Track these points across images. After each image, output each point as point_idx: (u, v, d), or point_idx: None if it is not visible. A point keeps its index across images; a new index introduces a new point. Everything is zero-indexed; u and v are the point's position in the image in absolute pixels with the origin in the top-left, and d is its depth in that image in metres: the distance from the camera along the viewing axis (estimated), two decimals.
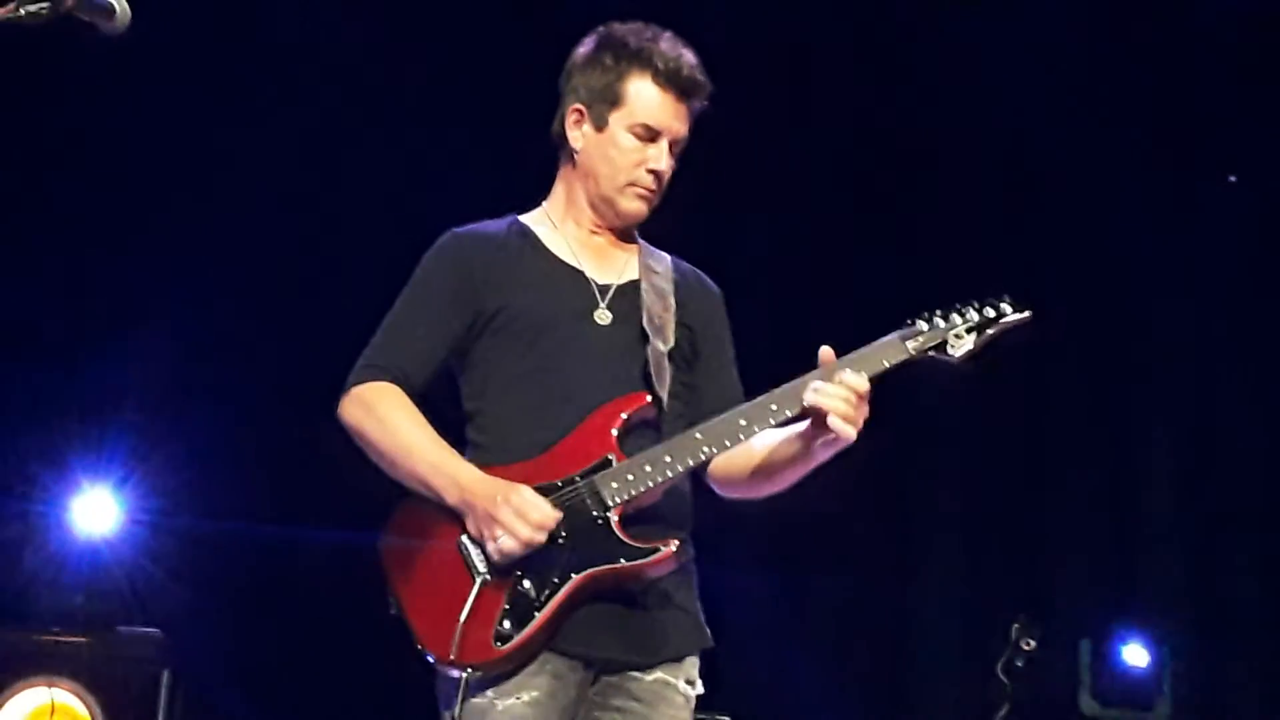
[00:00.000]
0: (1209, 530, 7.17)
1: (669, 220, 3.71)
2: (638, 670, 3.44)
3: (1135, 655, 6.81)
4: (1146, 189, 7.24)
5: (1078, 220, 7.08)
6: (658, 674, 3.45)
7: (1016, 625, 6.57)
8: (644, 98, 3.54)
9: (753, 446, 3.50)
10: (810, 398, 3.32)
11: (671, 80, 3.54)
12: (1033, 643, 6.53)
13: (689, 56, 3.57)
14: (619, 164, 3.56)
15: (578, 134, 3.61)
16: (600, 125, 3.57)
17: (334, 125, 6.70)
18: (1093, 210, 7.13)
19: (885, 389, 6.76)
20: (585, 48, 3.63)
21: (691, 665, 3.52)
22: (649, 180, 3.57)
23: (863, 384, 3.33)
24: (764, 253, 7.13)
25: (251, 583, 6.61)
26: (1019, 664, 6.54)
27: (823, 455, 3.45)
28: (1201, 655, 7.05)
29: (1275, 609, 7.04)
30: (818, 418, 3.33)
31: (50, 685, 6.02)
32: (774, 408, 3.38)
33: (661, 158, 3.56)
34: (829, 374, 3.34)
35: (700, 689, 3.52)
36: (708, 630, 3.57)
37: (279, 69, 6.64)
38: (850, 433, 3.32)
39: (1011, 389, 7.15)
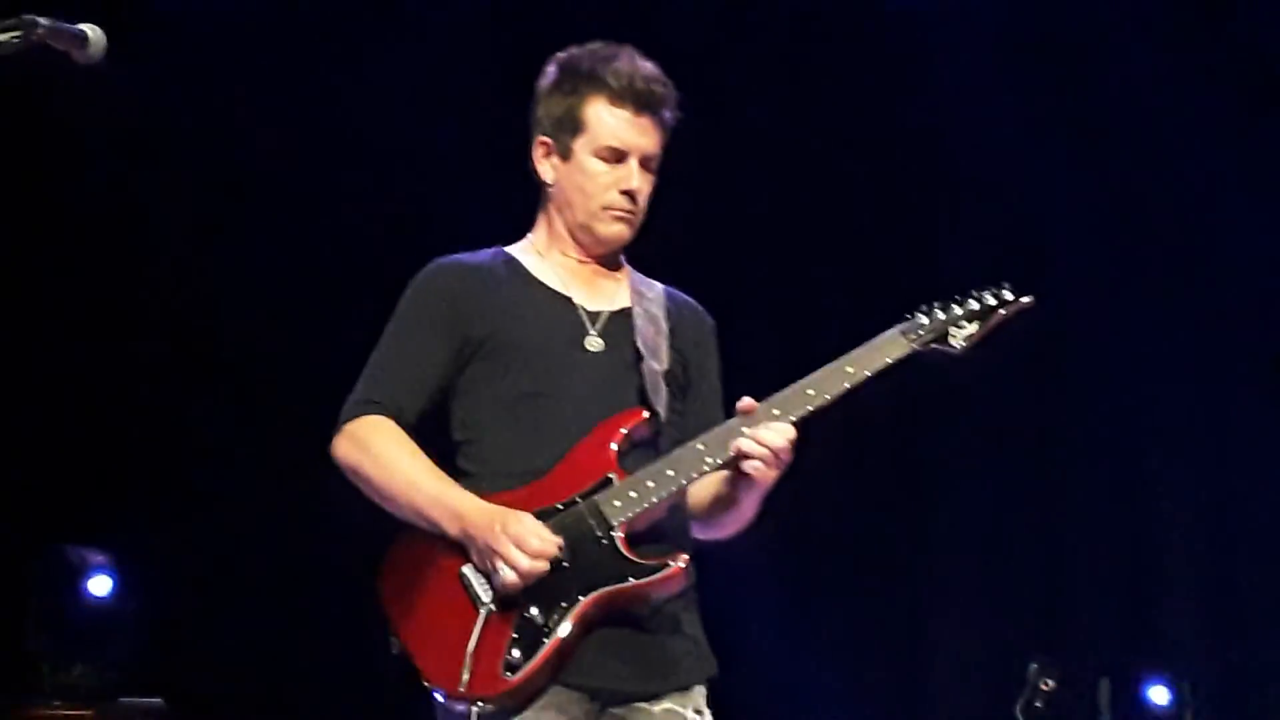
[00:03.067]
0: (1230, 566, 7.10)
1: (655, 240, 3.66)
2: (644, 700, 3.36)
3: (1156, 694, 6.72)
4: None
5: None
6: (665, 704, 3.37)
7: (1034, 666, 6.49)
8: (603, 119, 3.49)
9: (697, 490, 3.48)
10: (740, 446, 3.30)
11: (628, 97, 3.47)
12: (1051, 683, 6.45)
13: (646, 69, 3.51)
14: (590, 190, 3.50)
15: (547, 166, 3.56)
16: (566, 155, 3.53)
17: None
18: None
19: (898, 422, 6.76)
20: (545, 78, 3.59)
21: (699, 695, 3.44)
22: (624, 202, 3.51)
23: (789, 433, 3.30)
24: (762, 253, 7.09)
25: (257, 646, 6.51)
26: (1038, 704, 6.45)
27: (747, 499, 3.42)
28: (1223, 694, 6.96)
29: None
30: (738, 464, 3.32)
31: None
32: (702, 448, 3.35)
33: (632, 177, 3.50)
34: (753, 421, 3.32)
35: (709, 718, 3.44)
36: (714, 658, 3.50)
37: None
38: (769, 478, 3.32)
39: (1026, 426, 7.11)
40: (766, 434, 3.29)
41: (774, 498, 3.48)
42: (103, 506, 6.52)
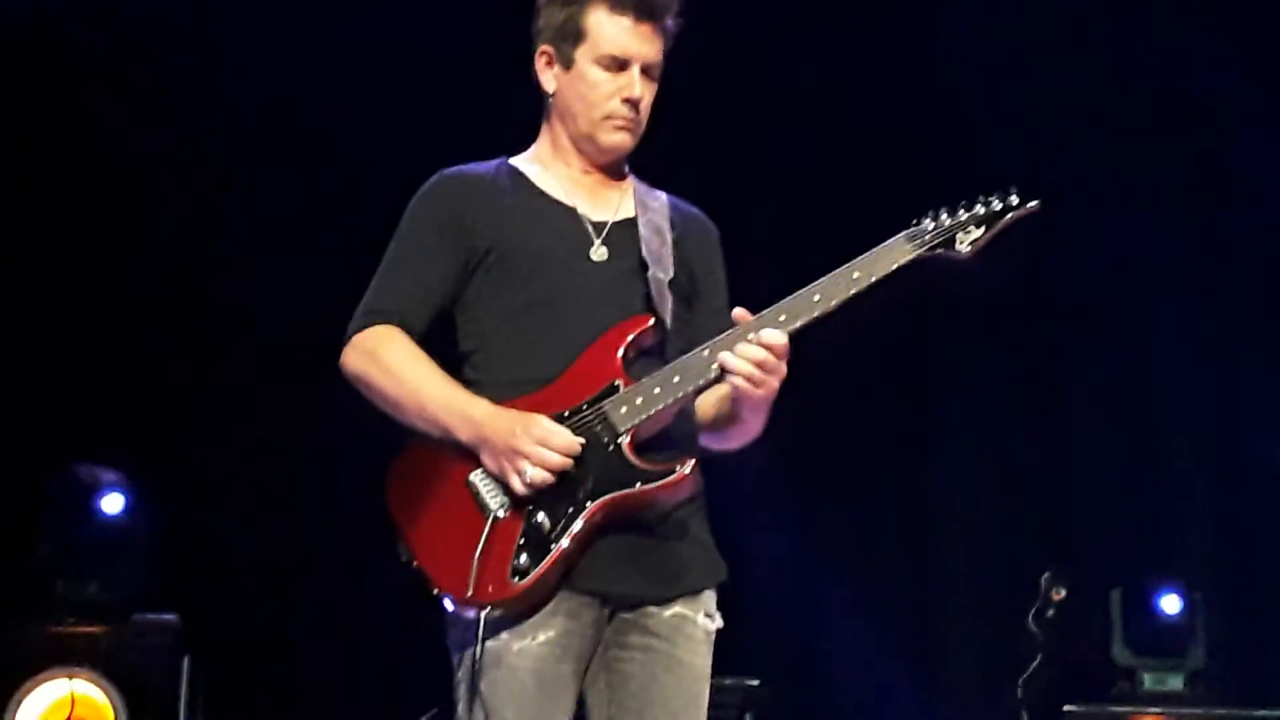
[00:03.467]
0: (1240, 474, 7.09)
1: (662, 157, 3.63)
2: (654, 605, 3.37)
3: (1168, 603, 6.72)
4: None
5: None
6: (675, 608, 3.39)
7: (1046, 575, 6.50)
8: (604, 27, 3.47)
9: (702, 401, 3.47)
10: (722, 360, 3.27)
11: (628, 4, 3.45)
12: (1063, 592, 6.46)
13: None
14: (592, 99, 3.49)
15: (549, 76, 3.55)
16: (568, 64, 3.51)
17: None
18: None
19: (905, 335, 6.75)
20: None
21: (709, 599, 3.46)
22: (626, 110, 3.49)
23: (779, 340, 3.26)
24: (767, 161, 7.06)
25: (270, 562, 6.54)
26: (1050, 614, 6.47)
27: (749, 415, 3.40)
28: (1235, 601, 6.97)
29: None
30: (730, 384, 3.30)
31: (70, 677, 6.00)
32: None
33: (634, 85, 3.48)
34: (747, 332, 3.29)
35: (719, 623, 3.45)
36: (723, 563, 3.50)
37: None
38: (756, 394, 3.27)
39: (1035, 335, 7.09)
40: (748, 348, 3.26)
41: (784, 409, 3.46)
42: (115, 424, 6.54)
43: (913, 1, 7.10)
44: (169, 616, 6.16)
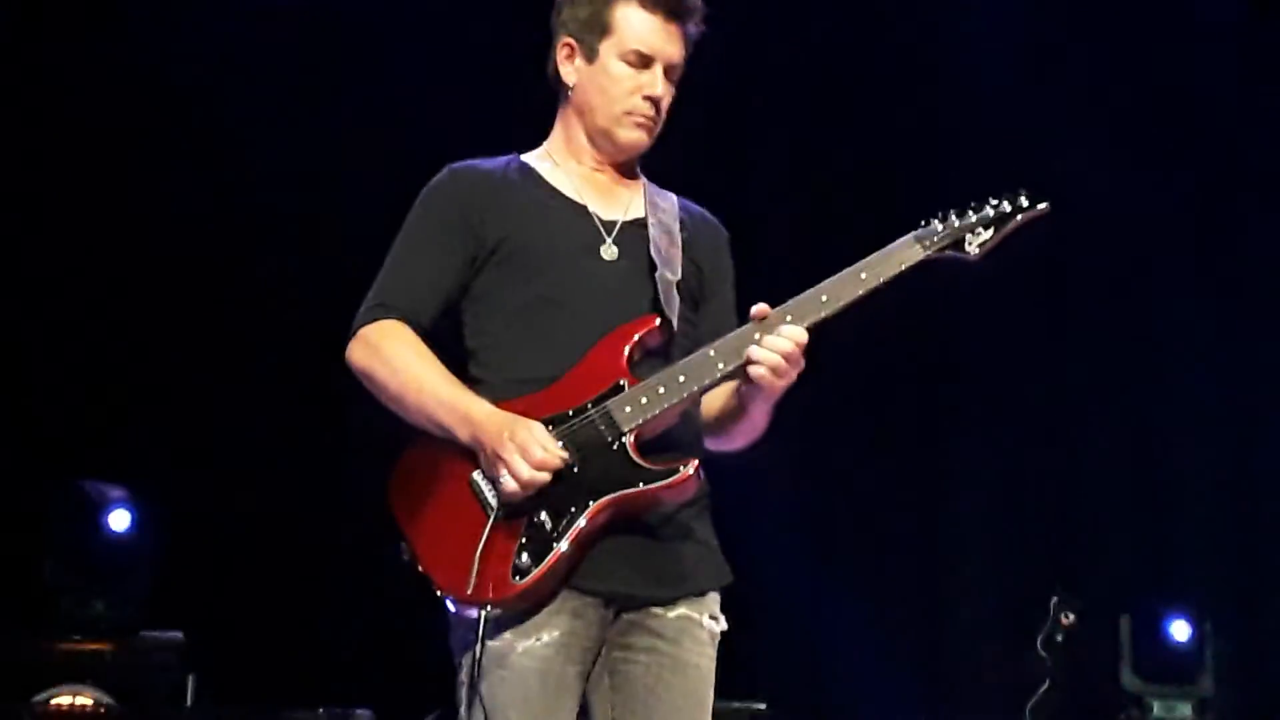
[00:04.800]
0: (1250, 501, 7.07)
1: (673, 158, 3.63)
2: (659, 606, 3.34)
3: (1177, 629, 6.70)
4: None
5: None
6: (680, 609, 3.36)
7: (1055, 599, 6.49)
8: (632, 23, 3.46)
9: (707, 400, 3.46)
10: (749, 352, 3.26)
11: (659, 3, 3.45)
12: (1072, 616, 6.45)
13: None
14: (613, 93, 3.48)
15: (570, 69, 3.53)
16: (591, 57, 3.50)
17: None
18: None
19: (917, 359, 6.72)
20: None
21: (714, 601, 3.43)
22: (646, 107, 3.48)
23: (802, 336, 3.26)
24: (777, 191, 7.06)
25: (275, 580, 6.53)
26: (1059, 638, 6.45)
27: (757, 409, 3.38)
28: (1244, 629, 6.95)
29: None
30: (747, 371, 3.28)
31: (75, 695, 5.96)
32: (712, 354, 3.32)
33: (656, 83, 3.47)
34: (769, 327, 3.28)
35: (724, 625, 3.42)
36: (728, 567, 3.48)
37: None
38: (776, 386, 3.27)
39: (1046, 361, 7.08)
40: (776, 340, 3.26)
41: (790, 427, 3.46)
42: (121, 441, 6.54)
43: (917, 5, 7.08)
44: (175, 634, 6.14)
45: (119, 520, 6.31)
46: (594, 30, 3.48)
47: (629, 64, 3.47)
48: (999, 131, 6.83)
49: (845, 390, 6.56)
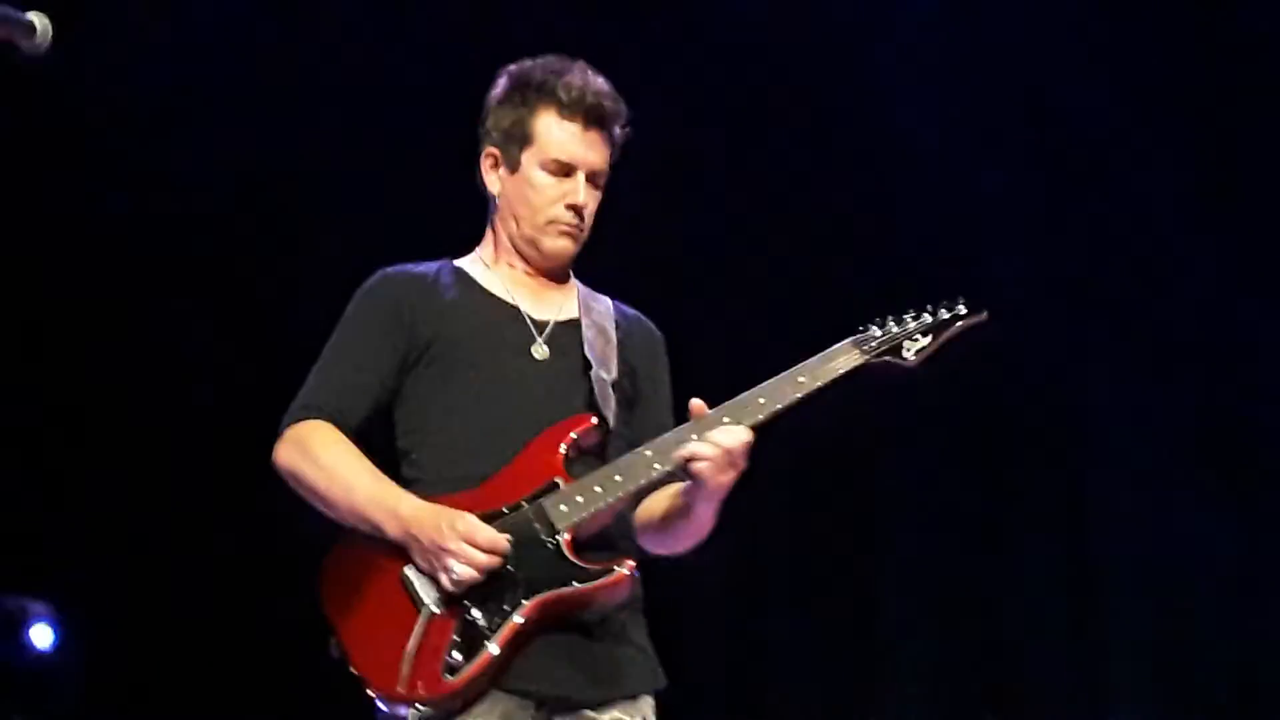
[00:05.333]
0: (1180, 633, 7.05)
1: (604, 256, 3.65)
2: (591, 709, 3.29)
3: None
4: None
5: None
6: (613, 712, 3.31)
7: None
8: (552, 132, 3.48)
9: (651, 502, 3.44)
10: (690, 449, 3.25)
11: (577, 111, 3.47)
12: None
13: (597, 84, 3.50)
14: (536, 203, 3.49)
15: (494, 178, 3.56)
16: (514, 167, 3.52)
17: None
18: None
19: (849, 465, 6.69)
20: (495, 89, 3.58)
21: (647, 705, 3.39)
22: (569, 216, 3.50)
23: (743, 434, 3.25)
24: (720, 256, 7.07)
25: (203, 697, 6.43)
26: None
27: (702, 509, 3.35)
28: None
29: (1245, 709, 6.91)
30: (688, 469, 3.26)
31: None
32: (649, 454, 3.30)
33: (579, 191, 3.49)
34: (704, 427, 3.27)
35: None
36: (662, 671, 3.44)
37: None
38: (719, 482, 3.25)
39: (970, 474, 7.08)
40: (719, 435, 3.24)
41: (729, 531, 3.44)
42: (44, 555, 6.44)
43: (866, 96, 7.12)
44: None
45: (41, 636, 6.22)
46: (515, 140, 3.51)
47: (550, 173, 3.49)
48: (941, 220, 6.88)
49: (777, 493, 6.55)
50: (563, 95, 3.48)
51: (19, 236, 6.54)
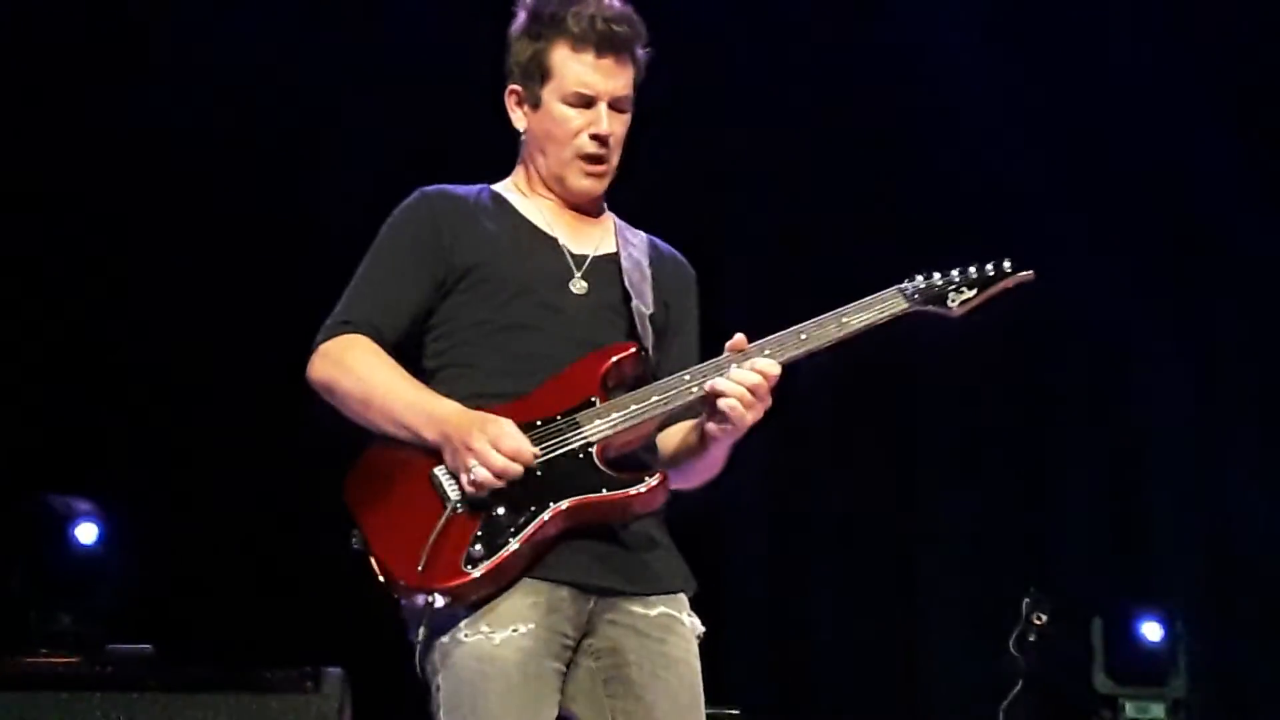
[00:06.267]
0: (1221, 500, 7.09)
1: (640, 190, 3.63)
2: (639, 605, 3.31)
3: (1149, 630, 6.72)
4: None
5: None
6: (661, 608, 3.33)
7: (1027, 600, 6.49)
8: (568, 65, 3.45)
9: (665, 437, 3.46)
10: (714, 384, 3.25)
11: (590, 40, 3.43)
12: (1044, 617, 6.45)
13: (610, 9, 3.46)
14: (561, 137, 3.48)
15: (519, 115, 3.54)
16: (535, 103, 3.50)
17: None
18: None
19: (890, 373, 6.72)
20: (513, 25, 3.54)
21: (687, 604, 3.41)
22: (593, 147, 3.47)
23: (773, 369, 3.26)
24: (757, 232, 7.06)
25: (246, 593, 6.48)
26: (1031, 639, 6.45)
27: (718, 446, 3.36)
28: (1216, 630, 6.97)
29: None
30: (714, 403, 3.26)
31: None
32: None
33: (601, 121, 3.46)
34: (745, 358, 3.28)
35: (702, 628, 3.39)
36: (693, 578, 3.44)
37: None
38: (742, 420, 3.26)
39: (1015, 363, 7.09)
40: (744, 373, 3.25)
41: (766, 437, 3.44)
42: (88, 454, 6.49)
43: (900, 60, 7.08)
44: (144, 647, 6.07)
45: (86, 533, 6.25)
46: (534, 76, 3.48)
47: (571, 105, 3.47)
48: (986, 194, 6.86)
49: (819, 397, 6.57)
50: (574, 26, 3.44)
51: (67, 148, 6.62)
